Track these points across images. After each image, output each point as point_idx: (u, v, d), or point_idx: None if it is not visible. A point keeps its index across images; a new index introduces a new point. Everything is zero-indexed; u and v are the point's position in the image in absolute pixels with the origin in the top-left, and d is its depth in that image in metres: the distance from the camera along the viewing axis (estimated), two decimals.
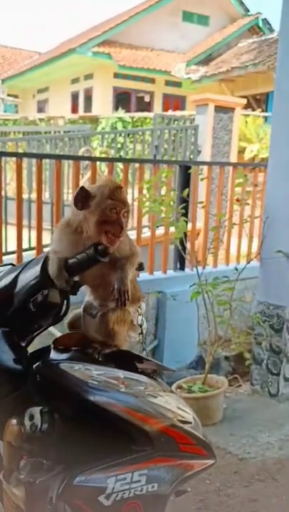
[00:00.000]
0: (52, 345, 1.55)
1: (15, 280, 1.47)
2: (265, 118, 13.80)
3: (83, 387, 1.36)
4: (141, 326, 1.57)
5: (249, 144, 12.25)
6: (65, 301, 1.46)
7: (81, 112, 16.93)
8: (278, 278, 3.59)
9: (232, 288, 3.53)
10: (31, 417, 1.38)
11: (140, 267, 1.49)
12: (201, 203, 3.78)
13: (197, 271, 3.54)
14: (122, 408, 1.36)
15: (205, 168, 4.69)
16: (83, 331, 1.57)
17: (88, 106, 17.30)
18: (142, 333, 1.58)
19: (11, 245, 3.87)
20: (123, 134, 8.74)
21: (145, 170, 4.47)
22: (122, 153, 7.97)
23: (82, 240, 1.41)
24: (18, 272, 1.49)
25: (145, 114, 13.71)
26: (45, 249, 4.25)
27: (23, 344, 1.51)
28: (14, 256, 3.73)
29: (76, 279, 1.44)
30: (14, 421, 1.38)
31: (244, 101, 7.46)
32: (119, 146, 9.08)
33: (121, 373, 1.43)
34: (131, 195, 4.55)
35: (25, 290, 1.43)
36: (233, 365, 4.91)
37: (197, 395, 3.40)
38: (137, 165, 4.95)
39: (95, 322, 1.51)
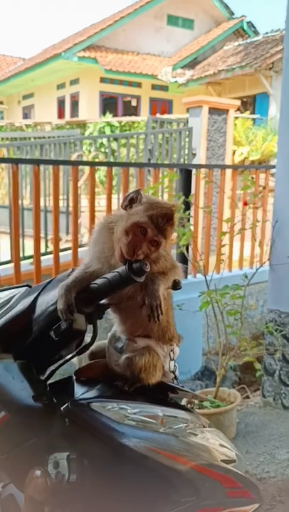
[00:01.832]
0: (74, 377, 1.35)
1: (33, 304, 1.27)
2: (254, 120, 13.77)
3: (118, 429, 1.16)
4: (174, 372, 1.37)
5: (239, 146, 12.17)
6: (92, 327, 1.26)
7: (67, 117, 16.75)
8: None
9: (242, 296, 3.35)
10: (56, 465, 1.18)
11: (176, 286, 1.29)
12: (208, 207, 3.61)
13: (206, 278, 3.36)
14: (163, 453, 1.16)
15: (203, 171, 4.52)
16: (105, 361, 1.38)
17: (75, 111, 17.12)
18: (175, 379, 1.37)
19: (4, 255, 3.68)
20: (112, 139, 8.60)
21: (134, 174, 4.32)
22: (111, 158, 7.80)
23: (112, 241, 1.24)
24: (36, 294, 1.29)
25: (133, 118, 13.57)
26: (44, 258, 4.10)
27: (43, 378, 1.31)
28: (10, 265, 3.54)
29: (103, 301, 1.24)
30: (38, 472, 1.17)
31: (238, 102, 7.33)
32: (107, 150, 8.93)
33: (159, 410, 1.23)
34: None
35: (46, 316, 1.24)
36: (240, 374, 4.74)
37: (209, 411, 3.20)
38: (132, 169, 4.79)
39: (120, 358, 1.32)
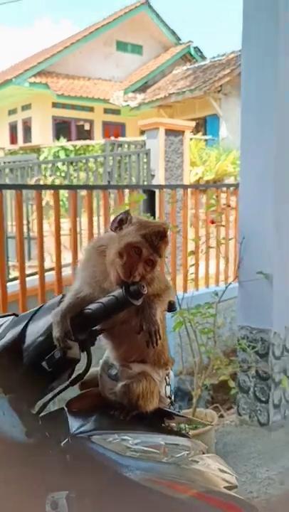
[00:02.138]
0: (66, 409, 1.28)
1: (22, 333, 1.20)
2: (206, 141, 14.08)
3: (122, 462, 1.10)
4: (170, 398, 1.33)
5: (193, 166, 12.38)
6: (86, 355, 1.20)
7: (20, 142, 16.62)
8: (259, 300, 3.45)
9: (214, 314, 3.35)
10: (55, 505, 1.10)
11: (171, 307, 1.26)
12: (175, 227, 3.61)
13: (177, 298, 3.33)
14: (168, 483, 1.11)
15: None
16: (98, 390, 1.32)
17: (28, 136, 17.01)
18: (172, 404, 1.32)
19: None
20: (67, 163, 8.55)
21: (94, 197, 4.28)
22: (67, 181, 7.75)
23: (103, 265, 1.20)
24: (25, 323, 1.22)
25: (87, 142, 13.61)
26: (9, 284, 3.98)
27: (34, 412, 1.23)
28: None
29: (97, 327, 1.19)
30: None
31: (193, 124, 7.46)
32: (64, 174, 8.87)
33: (160, 438, 1.18)
34: (96, 222, 4.32)
35: (37, 345, 1.17)
36: (212, 393, 4.71)
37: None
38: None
39: (115, 386, 1.26)
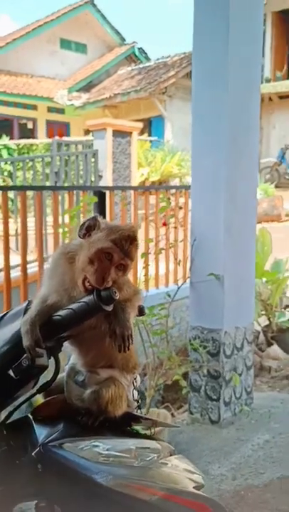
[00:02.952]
0: (31, 417, 1.25)
1: None
2: (151, 142, 14.20)
3: (94, 469, 1.09)
4: (138, 401, 1.33)
5: (139, 167, 12.46)
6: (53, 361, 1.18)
7: None
8: (211, 301, 3.51)
9: (167, 315, 3.39)
10: None
11: (141, 312, 1.26)
12: None
13: None
14: (139, 487, 1.11)
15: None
16: (63, 396, 1.30)
17: None
18: (139, 408, 1.33)
19: None
20: (10, 162, 8.35)
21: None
22: (16, 183, 7.57)
23: (72, 272, 1.18)
24: None
25: (31, 140, 13.37)
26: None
27: None
28: None
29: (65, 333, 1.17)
30: None
31: (140, 125, 7.50)
32: (7, 174, 8.67)
33: (131, 443, 1.18)
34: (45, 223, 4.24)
35: (3, 354, 1.14)
36: (162, 393, 4.75)
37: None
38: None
39: (82, 392, 1.25)
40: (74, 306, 1.12)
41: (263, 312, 5.24)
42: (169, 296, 3.48)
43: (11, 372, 1.12)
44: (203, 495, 1.24)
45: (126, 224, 1.26)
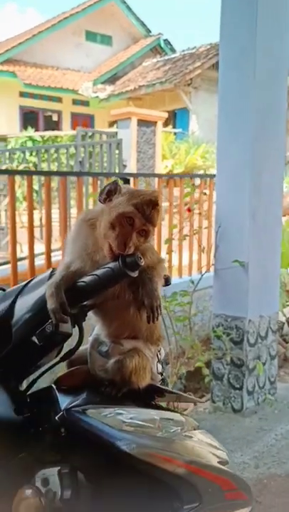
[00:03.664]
0: (54, 386, 1.24)
1: (11, 308, 1.15)
2: (175, 134, 14.12)
3: (118, 436, 1.08)
4: (162, 374, 1.31)
5: (163, 159, 12.40)
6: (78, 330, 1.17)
7: None
8: (235, 288, 3.48)
9: (190, 302, 3.36)
10: (45, 482, 1.07)
11: (167, 281, 1.24)
12: None
13: None
14: (164, 458, 1.09)
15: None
16: (87, 368, 1.29)
17: None
18: (163, 381, 1.31)
19: None
20: (36, 153, 8.38)
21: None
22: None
23: (94, 237, 1.17)
24: (13, 297, 1.18)
25: (56, 132, 13.43)
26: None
27: (22, 389, 1.19)
28: None
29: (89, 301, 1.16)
30: (29, 492, 1.05)
31: (165, 115, 7.45)
32: (34, 164, 8.70)
33: (155, 414, 1.16)
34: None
35: (27, 320, 1.13)
36: (184, 382, 4.73)
37: None
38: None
39: (106, 363, 1.24)
40: (98, 272, 1.11)
41: (288, 303, 5.17)
42: (193, 283, 3.45)
43: (34, 339, 1.11)
44: (228, 471, 1.22)
45: (148, 190, 1.23)
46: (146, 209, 1.13)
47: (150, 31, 18.75)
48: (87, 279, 1.12)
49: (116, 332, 1.25)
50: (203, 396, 4.36)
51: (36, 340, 1.11)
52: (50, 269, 1.22)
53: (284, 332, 5.10)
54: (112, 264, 1.10)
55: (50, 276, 1.18)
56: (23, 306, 1.16)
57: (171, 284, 3.76)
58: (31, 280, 1.24)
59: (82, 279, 1.13)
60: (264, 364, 3.59)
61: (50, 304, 1.10)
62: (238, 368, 3.52)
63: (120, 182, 1.20)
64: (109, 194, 1.18)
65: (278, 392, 3.82)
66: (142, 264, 1.10)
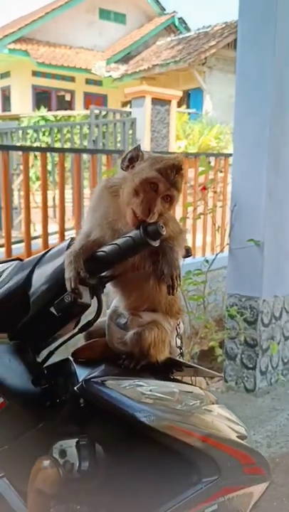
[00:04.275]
0: (71, 359, 1.23)
1: (28, 279, 1.14)
2: (189, 114, 13.94)
3: (137, 407, 1.07)
4: (180, 348, 1.30)
5: (177, 140, 12.26)
6: (96, 302, 1.15)
7: None
8: (250, 268, 3.44)
9: (205, 281, 3.34)
10: (63, 454, 1.06)
11: (188, 253, 1.22)
12: None
13: None
14: (184, 430, 1.08)
15: None
16: (104, 340, 1.27)
17: (7, 105, 16.57)
18: (182, 355, 1.29)
19: None
20: (49, 132, 8.32)
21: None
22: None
23: (116, 205, 1.14)
24: (31, 268, 1.16)
25: (69, 112, 13.33)
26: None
27: (39, 360, 1.18)
28: None
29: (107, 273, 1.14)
30: (47, 462, 1.05)
31: (180, 93, 7.35)
32: (45, 145, 8.64)
33: (174, 387, 1.15)
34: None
35: (45, 290, 1.12)
36: (197, 361, 4.74)
37: None
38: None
39: (124, 335, 1.22)
40: (119, 241, 1.08)
41: None
42: (207, 262, 3.42)
43: (52, 310, 1.10)
44: (247, 445, 1.21)
45: (170, 155, 1.20)
46: (170, 174, 1.11)
47: (164, 9, 18.45)
48: (107, 248, 1.10)
49: (135, 304, 1.23)
50: (215, 376, 4.36)
51: (54, 311, 1.10)
52: (69, 239, 1.20)
53: None
54: (132, 233, 1.07)
55: (69, 246, 1.16)
56: (41, 276, 1.14)
57: (185, 263, 3.74)
58: (49, 250, 1.22)
59: (101, 249, 1.11)
60: (278, 344, 3.57)
61: (68, 273, 1.09)
62: (251, 347, 3.51)
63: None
64: (131, 161, 1.16)
65: None
66: (164, 233, 1.07)
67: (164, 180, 1.10)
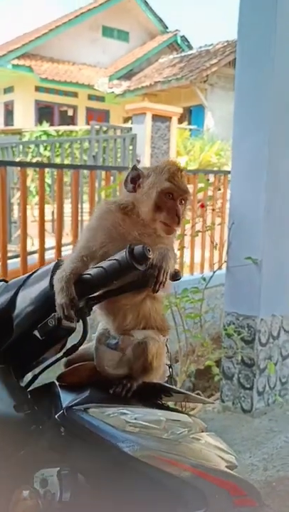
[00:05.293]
0: (57, 383, 1.19)
1: (12, 300, 1.11)
2: (190, 131, 14.02)
3: (120, 437, 1.02)
4: (170, 367, 1.28)
5: (178, 156, 12.31)
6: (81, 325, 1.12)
7: (1, 125, 16.29)
8: (247, 286, 3.40)
9: (202, 299, 3.30)
10: (44, 483, 1.02)
11: (176, 276, 1.19)
12: None
13: None
14: (169, 461, 1.04)
15: None
16: (91, 365, 1.24)
17: (10, 119, 16.68)
18: (171, 377, 1.27)
19: None
20: (49, 148, 8.35)
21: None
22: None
23: (127, 225, 1.17)
24: (15, 289, 1.13)
25: (71, 127, 13.42)
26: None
27: (23, 384, 1.14)
28: None
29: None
30: (26, 493, 1.01)
31: (180, 110, 7.38)
32: (45, 159, 8.67)
33: (161, 414, 1.11)
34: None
35: (29, 313, 1.08)
36: (194, 380, 4.68)
37: None
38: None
39: (116, 356, 1.19)
40: (105, 264, 1.05)
41: None
42: (204, 280, 3.38)
43: (36, 333, 1.06)
44: (237, 475, 1.17)
45: (164, 160, 1.25)
46: (178, 179, 1.18)
47: (167, 27, 18.66)
48: (93, 271, 1.07)
49: (130, 326, 1.21)
50: (213, 395, 4.30)
51: (38, 335, 1.06)
52: (55, 261, 1.17)
53: None
54: (118, 256, 1.04)
55: (55, 267, 1.13)
56: (26, 298, 1.11)
57: (182, 280, 3.72)
58: (34, 272, 1.19)
59: (88, 271, 1.08)
60: (275, 364, 3.52)
61: (60, 299, 1.06)
62: (248, 367, 3.46)
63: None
64: (134, 181, 1.20)
65: None
66: (151, 256, 1.04)
67: (175, 187, 1.17)
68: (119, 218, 1.18)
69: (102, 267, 1.05)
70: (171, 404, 1.32)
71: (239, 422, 3.50)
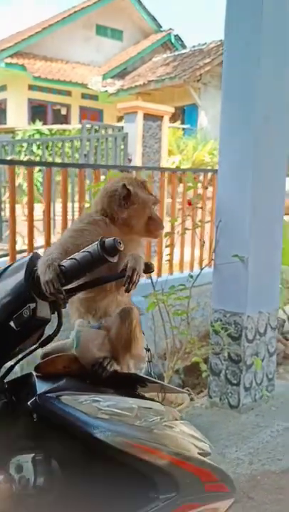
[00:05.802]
0: (34, 373, 1.23)
1: None
2: (184, 130, 14.05)
3: (92, 423, 1.06)
4: (148, 350, 1.40)
5: (170, 155, 12.33)
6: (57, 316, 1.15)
7: None
8: (234, 284, 3.44)
9: (188, 296, 3.34)
10: (19, 469, 1.05)
11: (148, 268, 1.24)
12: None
13: (152, 280, 3.30)
14: (140, 446, 1.07)
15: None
16: (69, 356, 1.27)
17: (2, 118, 16.66)
18: (150, 361, 1.37)
19: None
20: (42, 146, 8.37)
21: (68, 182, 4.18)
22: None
23: (113, 231, 1.32)
24: None
25: (64, 126, 13.42)
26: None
27: None
28: None
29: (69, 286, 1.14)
30: (0, 477, 1.04)
31: (172, 109, 7.41)
32: (38, 159, 8.68)
33: (133, 402, 1.14)
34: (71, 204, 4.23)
35: (4, 305, 1.11)
36: (183, 377, 4.72)
37: None
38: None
39: (102, 335, 1.28)
40: (78, 256, 1.09)
41: None
42: (192, 277, 3.42)
43: (12, 324, 1.10)
44: (209, 462, 1.20)
45: (128, 177, 1.47)
46: (149, 189, 1.41)
47: (161, 26, 18.67)
48: (66, 263, 1.10)
49: (107, 312, 1.32)
50: (202, 391, 4.34)
51: (14, 325, 1.09)
52: (30, 254, 1.20)
53: (285, 330, 5.06)
54: (90, 248, 1.08)
55: (31, 260, 1.16)
56: (1, 290, 1.14)
57: (171, 278, 3.77)
58: (10, 266, 1.22)
59: (62, 263, 1.11)
60: (262, 360, 3.56)
61: (48, 275, 1.09)
62: (235, 363, 3.50)
63: (119, 174, 1.33)
64: (126, 199, 1.34)
65: (276, 389, 3.80)
66: (121, 248, 1.08)
67: (156, 198, 1.40)
68: (103, 228, 1.31)
69: (75, 258, 1.09)
70: (151, 396, 1.35)
71: (226, 417, 3.55)
